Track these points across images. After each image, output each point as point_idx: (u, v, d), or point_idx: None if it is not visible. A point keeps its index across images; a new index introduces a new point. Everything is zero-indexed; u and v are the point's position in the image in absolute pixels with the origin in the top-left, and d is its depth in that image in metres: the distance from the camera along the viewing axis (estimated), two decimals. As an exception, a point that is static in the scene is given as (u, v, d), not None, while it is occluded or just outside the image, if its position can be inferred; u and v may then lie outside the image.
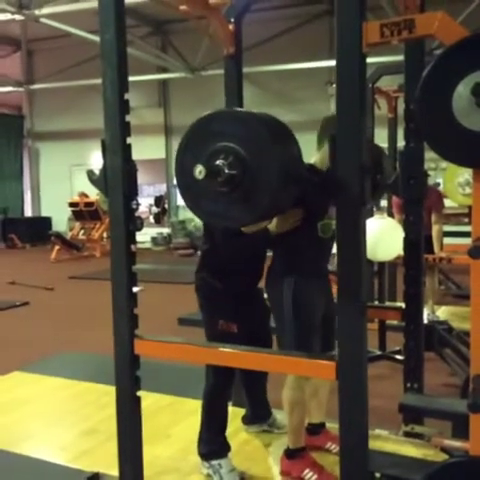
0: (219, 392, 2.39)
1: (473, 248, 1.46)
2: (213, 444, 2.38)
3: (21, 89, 13.83)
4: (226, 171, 1.64)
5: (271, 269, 2.36)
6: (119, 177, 2.09)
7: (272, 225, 2.20)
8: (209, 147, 1.70)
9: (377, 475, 2.15)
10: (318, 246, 2.33)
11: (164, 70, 12.56)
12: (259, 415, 2.73)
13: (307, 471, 2.31)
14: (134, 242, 2.17)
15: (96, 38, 2.20)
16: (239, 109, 1.84)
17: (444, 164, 7.15)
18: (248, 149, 1.66)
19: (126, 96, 2.12)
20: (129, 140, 2.13)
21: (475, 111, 1.50)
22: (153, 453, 2.46)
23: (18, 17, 8.95)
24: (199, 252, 2.59)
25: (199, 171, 1.64)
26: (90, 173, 2.21)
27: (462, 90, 1.52)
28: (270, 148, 1.66)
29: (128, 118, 2.13)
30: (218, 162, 1.65)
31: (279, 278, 2.29)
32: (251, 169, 1.65)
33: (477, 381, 1.55)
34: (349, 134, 1.70)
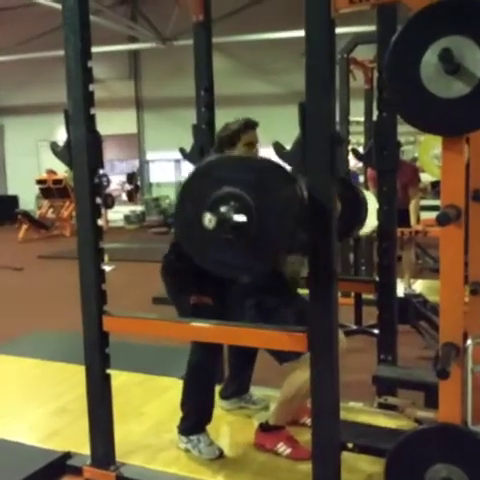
0: (202, 368, 2.33)
1: (441, 214, 1.45)
2: (192, 420, 2.35)
3: (-18, 61, 13.28)
4: (235, 218, 1.61)
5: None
6: (83, 148, 2.02)
7: None
8: (212, 194, 1.66)
9: (349, 445, 2.17)
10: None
11: (134, 40, 12.20)
12: (239, 390, 2.73)
13: (281, 444, 2.31)
14: (100, 216, 2.11)
15: (59, 6, 2.09)
16: (241, 156, 1.85)
17: (423, 137, 7.07)
18: (254, 195, 1.64)
19: (89, 64, 2.03)
20: (93, 110, 2.05)
21: (443, 78, 1.49)
22: (125, 431, 2.43)
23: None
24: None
25: (209, 219, 1.60)
26: (54, 145, 2.13)
27: (430, 57, 1.50)
28: (278, 192, 1.64)
29: (92, 87, 2.05)
30: (223, 209, 1.62)
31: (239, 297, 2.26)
32: (258, 216, 1.63)
33: (445, 349, 1.55)
34: (319, 102, 1.66)
